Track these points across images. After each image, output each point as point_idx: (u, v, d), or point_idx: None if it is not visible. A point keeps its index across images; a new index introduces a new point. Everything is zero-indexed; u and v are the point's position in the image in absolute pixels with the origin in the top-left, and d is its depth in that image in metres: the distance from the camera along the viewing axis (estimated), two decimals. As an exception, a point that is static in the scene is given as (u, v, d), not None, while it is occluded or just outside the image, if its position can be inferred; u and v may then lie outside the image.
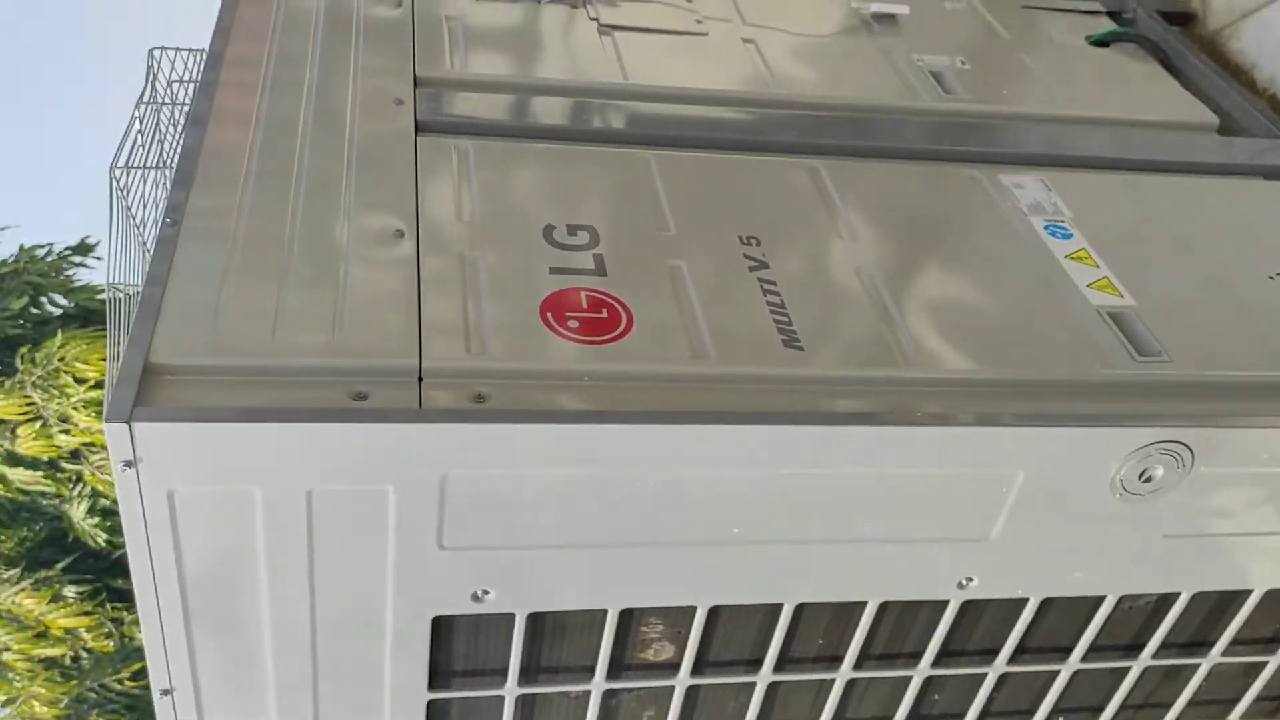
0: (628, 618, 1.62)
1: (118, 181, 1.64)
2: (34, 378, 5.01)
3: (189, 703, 1.55)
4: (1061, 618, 1.79)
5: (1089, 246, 1.85)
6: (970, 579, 1.66)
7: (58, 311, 5.51)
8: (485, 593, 1.52)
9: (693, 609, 1.62)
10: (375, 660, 1.56)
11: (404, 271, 1.54)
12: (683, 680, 1.72)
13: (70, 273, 5.70)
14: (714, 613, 1.63)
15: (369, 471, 1.36)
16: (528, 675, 1.67)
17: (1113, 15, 2.68)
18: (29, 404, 5.01)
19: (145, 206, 1.77)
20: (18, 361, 5.08)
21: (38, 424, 5.04)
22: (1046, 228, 1.89)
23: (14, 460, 5.10)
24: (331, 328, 1.43)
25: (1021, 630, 1.77)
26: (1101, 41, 2.53)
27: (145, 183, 1.76)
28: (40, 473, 5.13)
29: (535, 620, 1.58)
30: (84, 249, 5.75)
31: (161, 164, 1.78)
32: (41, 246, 5.53)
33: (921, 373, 1.55)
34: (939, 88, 2.24)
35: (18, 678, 5.16)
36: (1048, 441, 1.50)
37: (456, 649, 1.60)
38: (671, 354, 1.49)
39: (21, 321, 5.31)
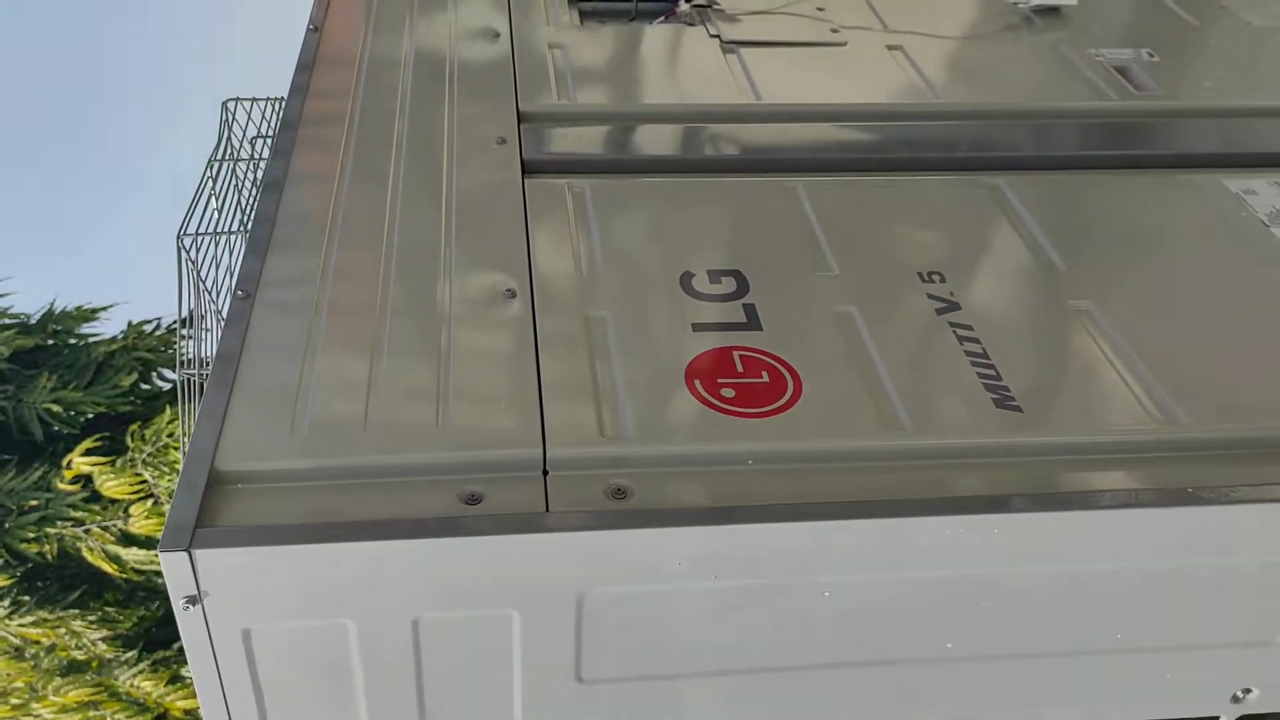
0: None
1: (186, 252, 1.41)
2: (144, 455, 4.92)
3: None
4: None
5: (1355, 260, 1.49)
6: (1249, 690, 1.30)
7: (166, 386, 5.43)
8: (636, 732, 1.22)
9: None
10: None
11: (519, 339, 1.27)
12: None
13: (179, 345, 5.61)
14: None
15: (489, 593, 1.08)
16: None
17: (1312, -9, 2.30)
18: (140, 482, 4.92)
19: (221, 274, 1.53)
20: (128, 439, 5.00)
21: (149, 502, 4.94)
22: (1295, 240, 1.53)
23: (128, 540, 5.01)
24: (435, 415, 1.16)
25: (1311, 751, 1.40)
26: (1308, 20, 2.15)
27: (219, 248, 1.53)
28: (154, 552, 5.02)
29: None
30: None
31: (241, 229, 1.55)
32: (149, 322, 5.47)
33: (1177, 432, 1.20)
34: (1127, 84, 1.90)
35: (139, 762, 5.03)
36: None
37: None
38: (855, 424, 1.18)
39: (132, 398, 5.25)
